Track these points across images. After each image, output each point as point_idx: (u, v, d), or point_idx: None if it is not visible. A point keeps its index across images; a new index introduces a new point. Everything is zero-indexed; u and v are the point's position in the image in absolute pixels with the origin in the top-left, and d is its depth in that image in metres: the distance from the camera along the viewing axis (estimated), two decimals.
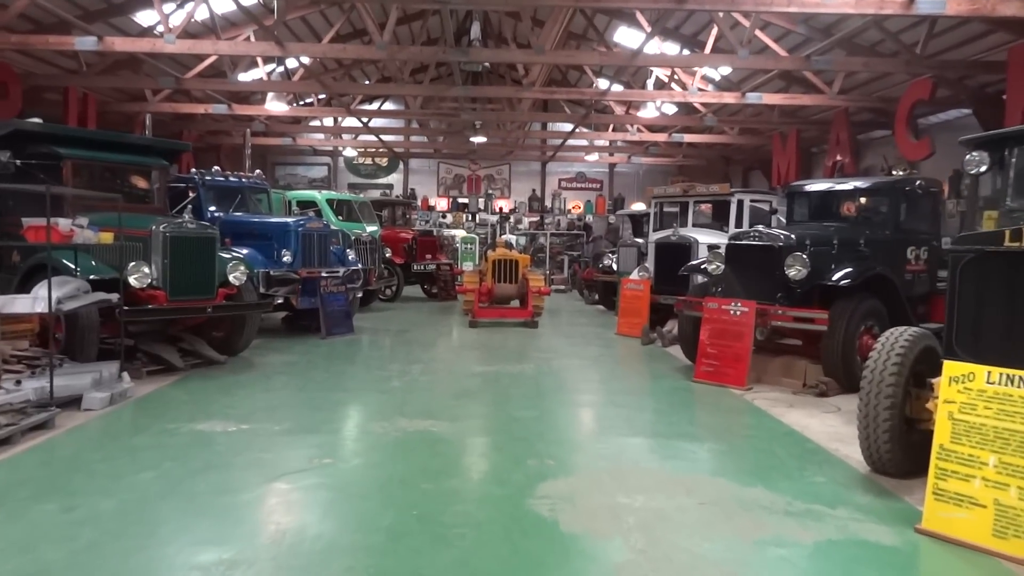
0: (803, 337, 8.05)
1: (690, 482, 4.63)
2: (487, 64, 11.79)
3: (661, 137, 19.88)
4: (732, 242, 8.19)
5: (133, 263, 7.45)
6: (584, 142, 22.90)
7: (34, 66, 13.15)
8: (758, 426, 6.18)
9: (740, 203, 11.12)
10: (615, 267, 15.31)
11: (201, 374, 7.88)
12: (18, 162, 7.71)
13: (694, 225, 11.78)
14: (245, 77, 15.76)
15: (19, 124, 7.74)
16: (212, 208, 11.01)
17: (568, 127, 21.24)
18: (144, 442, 5.32)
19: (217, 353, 8.39)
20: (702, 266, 8.87)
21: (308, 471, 4.76)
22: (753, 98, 13.66)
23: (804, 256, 7.49)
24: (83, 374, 6.42)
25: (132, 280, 7.40)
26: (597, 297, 16.93)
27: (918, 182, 8.37)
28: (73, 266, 7.19)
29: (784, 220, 9.99)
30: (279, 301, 10.53)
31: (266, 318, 11.35)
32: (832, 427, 6.09)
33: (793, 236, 7.75)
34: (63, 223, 5.99)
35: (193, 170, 11.18)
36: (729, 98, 14.00)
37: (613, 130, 20.84)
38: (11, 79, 11.59)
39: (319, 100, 19.23)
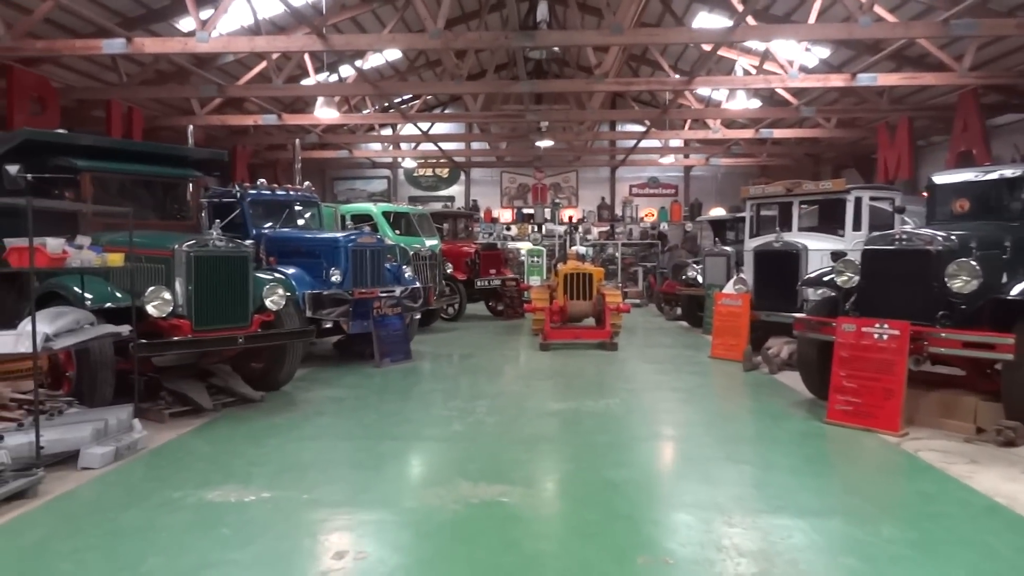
0: (968, 366, 6.36)
1: None
2: (556, 49, 10.51)
3: (746, 134, 18.07)
4: (872, 247, 6.57)
5: (152, 288, 6.40)
6: (657, 143, 21.28)
7: (75, 80, 12.57)
8: (943, 497, 4.56)
9: (858, 201, 9.41)
10: (700, 279, 13.71)
11: (232, 416, 6.76)
12: (29, 176, 6.80)
13: (800, 230, 10.10)
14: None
15: (30, 134, 6.84)
16: (268, 224, 10.04)
17: (639, 129, 19.77)
18: (134, 522, 4.15)
19: (252, 390, 7.27)
20: (826, 278, 7.26)
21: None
22: (866, 80, 11.79)
23: (972, 263, 5.83)
24: (84, 424, 5.34)
25: (150, 308, 6.35)
26: (679, 312, 15.31)
27: None
28: (84, 293, 6.21)
29: (910, 222, 8.29)
30: (328, 326, 9.42)
31: (317, 341, 10.27)
32: None
33: (954, 238, 6.09)
34: (52, 244, 4.95)
35: (235, 185, 10.21)
36: (837, 80, 12.13)
37: (690, 127, 19.16)
38: (48, 93, 10.97)
39: (374, 108, 18.26)
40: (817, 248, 9.45)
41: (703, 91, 19.11)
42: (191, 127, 9.59)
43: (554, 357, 10.34)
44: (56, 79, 11.76)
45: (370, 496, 4.59)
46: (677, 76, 14.95)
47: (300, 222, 10.60)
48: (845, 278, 6.73)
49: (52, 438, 5.07)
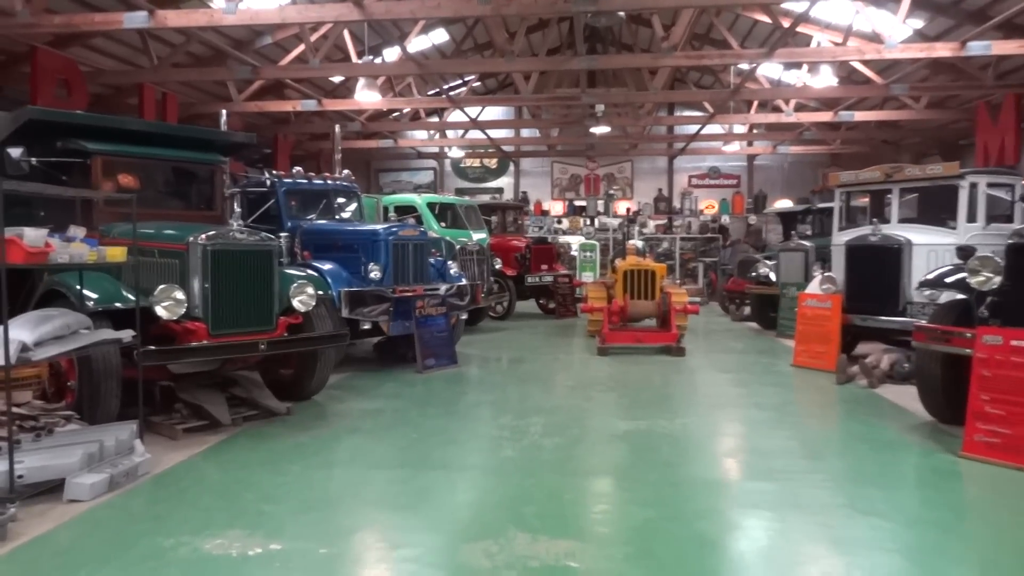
0: None
1: None
2: (622, 14, 9.42)
3: (822, 117, 16.54)
4: (1021, 241, 5.34)
5: (162, 287, 5.60)
6: (720, 129, 19.85)
7: (105, 63, 11.99)
8: None
9: (973, 188, 8.08)
10: (773, 277, 12.46)
11: (253, 432, 5.93)
12: (34, 160, 6.08)
13: (900, 221, 8.81)
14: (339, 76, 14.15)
15: (34, 113, 6.11)
16: (307, 216, 9.27)
17: (700, 115, 18.45)
18: None
19: (278, 402, 6.44)
20: (950, 278, 6.05)
21: None
22: (978, 49, 10.28)
23: None
24: (74, 447, 4.55)
25: (160, 310, 5.55)
26: (747, 312, 14.07)
27: None
28: (87, 292, 5.44)
29: None
30: (366, 327, 8.56)
31: (356, 342, 9.44)
32: None
33: None
34: (31, 235, 4.15)
35: (265, 171, 9.44)
36: (942, 50, 10.62)
37: (757, 111, 17.70)
38: (75, 76, 10.39)
39: (418, 91, 17.34)
40: (923, 242, 8.17)
41: (772, 72, 17.73)
42: (224, 111, 8.80)
43: (614, 363, 9.30)
44: (86, 63, 11.20)
45: (403, 554, 3.65)
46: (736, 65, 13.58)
47: (340, 214, 9.79)
48: (982, 278, 5.52)
49: (34, 465, 4.29)
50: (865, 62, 13.35)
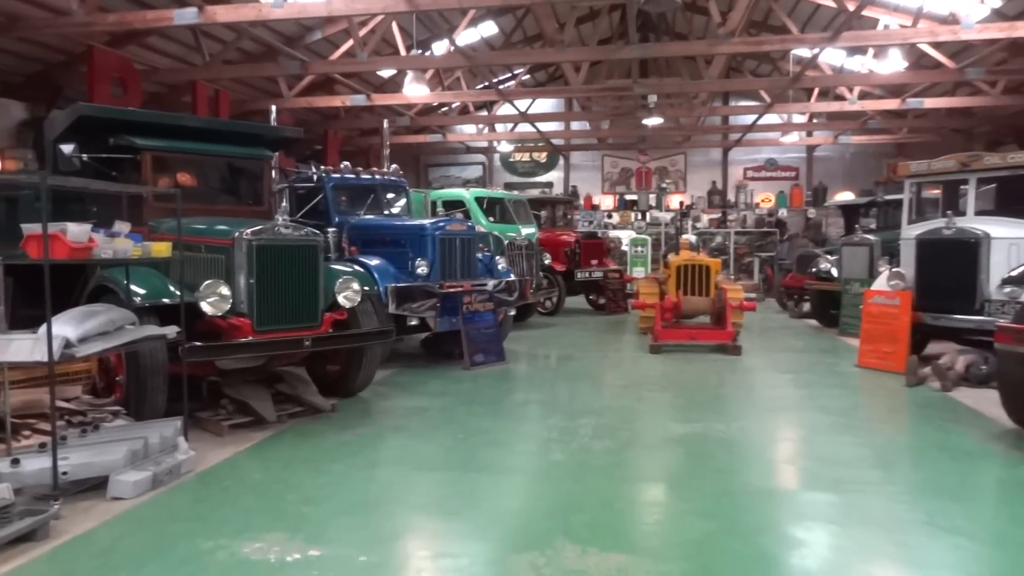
0: None
1: None
2: (678, 0, 9.03)
3: (889, 104, 15.74)
4: None
5: (208, 282, 5.56)
6: (778, 119, 19.14)
7: (160, 62, 12.17)
8: None
9: None
10: (835, 272, 11.90)
11: (298, 429, 5.85)
12: (84, 156, 6.12)
13: (976, 213, 8.24)
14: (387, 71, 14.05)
15: (85, 109, 6.16)
16: (355, 211, 9.24)
17: (752, 105, 17.82)
18: None
19: (323, 399, 6.36)
20: None
21: None
22: None
23: None
24: (119, 443, 4.52)
25: (205, 305, 5.51)
26: (806, 309, 13.52)
27: None
28: (134, 287, 5.44)
29: None
30: (413, 323, 8.44)
31: (404, 337, 9.35)
32: None
33: None
34: (74, 230, 4.11)
35: (312, 165, 9.41)
36: None
37: (817, 99, 16.97)
38: (130, 75, 10.57)
39: (467, 86, 17.18)
40: (1004, 236, 7.61)
41: (834, 59, 17.00)
42: (273, 107, 8.80)
43: (667, 362, 8.98)
44: (142, 61, 11.39)
45: (446, 564, 3.48)
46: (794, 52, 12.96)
47: (388, 209, 9.71)
48: None
49: (78, 462, 4.27)
50: (937, 45, 12.63)
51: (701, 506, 4.19)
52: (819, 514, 4.07)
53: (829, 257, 12.38)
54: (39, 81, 11.51)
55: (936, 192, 9.40)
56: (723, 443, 5.46)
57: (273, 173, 10.02)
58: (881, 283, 8.76)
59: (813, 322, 12.72)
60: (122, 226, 4.74)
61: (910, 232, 8.55)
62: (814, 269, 12.45)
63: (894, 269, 8.75)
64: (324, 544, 3.65)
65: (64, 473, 4.19)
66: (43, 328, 4.20)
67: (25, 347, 4.04)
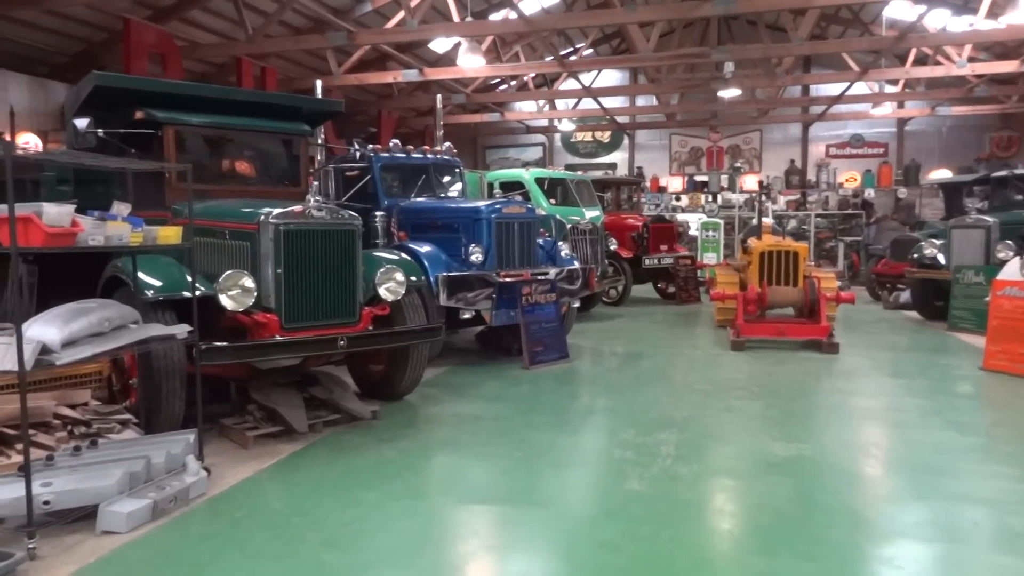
0: None
1: None
2: None
3: (1004, 67, 13.88)
4: None
5: (228, 273, 4.83)
6: (867, 88, 17.46)
7: (202, 37, 11.60)
8: None
9: None
10: (942, 259, 10.52)
11: (331, 442, 5.10)
12: (100, 132, 5.47)
13: None
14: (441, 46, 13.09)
15: (99, 79, 5.49)
16: (405, 193, 8.49)
17: (840, 74, 16.23)
18: None
19: (362, 405, 5.59)
20: None
21: None
22: None
23: None
24: (115, 464, 3.83)
25: (225, 300, 4.78)
26: (903, 300, 12.14)
27: None
28: (147, 279, 4.76)
29: None
30: (467, 316, 7.63)
31: (459, 330, 8.58)
32: None
33: None
34: (51, 212, 3.39)
35: (355, 143, 8.66)
36: None
37: (913, 65, 15.26)
38: (170, 50, 10.02)
39: (525, 59, 16.13)
40: None
41: (936, 21, 15.27)
42: (319, 82, 8.07)
43: (753, 361, 7.92)
44: (185, 37, 10.85)
45: None
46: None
47: (441, 191, 8.90)
48: None
49: (63, 488, 3.58)
50: None
51: (828, 568, 3.20)
52: None
53: (934, 241, 10.99)
54: (83, 61, 11.15)
55: None
56: (839, 472, 4.44)
57: (319, 153, 9.39)
58: (1013, 271, 7.46)
59: (913, 314, 11.37)
60: (121, 208, 4.03)
61: None
62: (915, 255, 11.10)
63: None
64: None
65: (46, 503, 3.51)
66: (30, 325, 3.52)
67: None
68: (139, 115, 5.69)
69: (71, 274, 5.48)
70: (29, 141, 10.35)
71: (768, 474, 4.43)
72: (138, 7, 9.19)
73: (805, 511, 3.87)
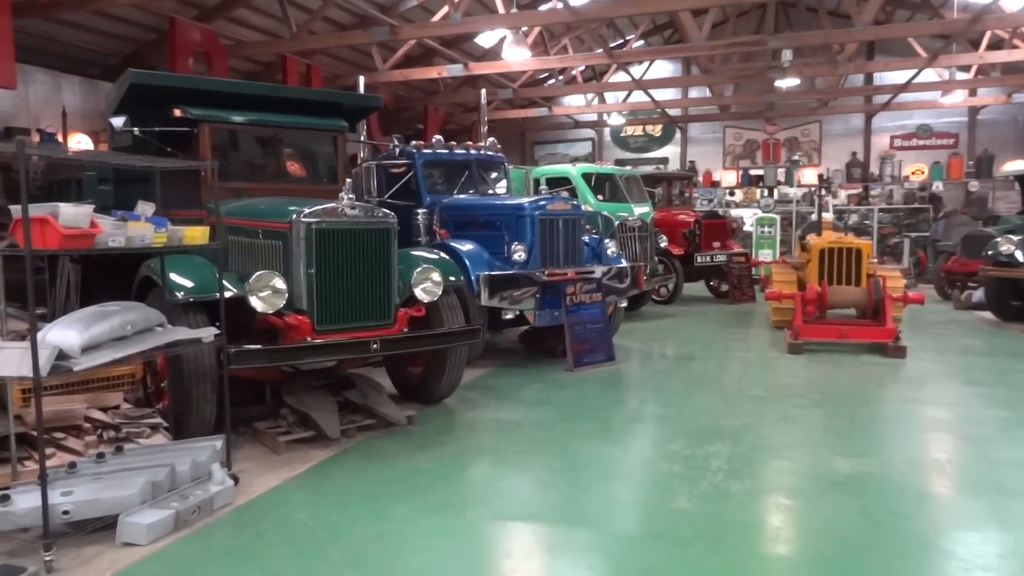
0: None
1: None
2: None
3: None
4: None
5: (259, 274, 4.69)
6: (936, 76, 16.51)
7: (248, 35, 11.63)
8: None
9: None
10: (1020, 256, 9.80)
11: (365, 448, 4.93)
12: (136, 130, 5.40)
13: None
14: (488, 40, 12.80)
15: (135, 76, 5.43)
16: (451, 191, 8.33)
17: (906, 60, 15.37)
18: None
19: (397, 411, 5.40)
20: None
21: None
22: None
23: None
24: (137, 472, 3.72)
25: (255, 301, 4.64)
26: (977, 299, 11.39)
27: None
28: (178, 280, 4.66)
29: None
30: (509, 316, 7.38)
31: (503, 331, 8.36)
32: None
33: None
34: (68, 213, 3.27)
35: (394, 139, 8.48)
36: None
37: (988, 48, 14.30)
38: (215, 49, 10.06)
39: (573, 51, 15.71)
40: None
41: (1011, 3, 14.29)
42: (361, 78, 7.93)
43: (812, 365, 7.46)
44: (230, 36, 10.89)
45: None
46: None
47: (485, 188, 8.68)
48: None
49: (83, 498, 3.48)
50: None
51: None
52: None
53: (1011, 237, 10.25)
54: (133, 62, 11.32)
55: None
56: (909, 493, 4.04)
57: (361, 150, 9.28)
58: None
59: (987, 315, 10.66)
60: (145, 208, 3.91)
61: None
62: (990, 252, 10.37)
63: None
64: None
65: (65, 512, 3.41)
66: (47, 330, 3.42)
67: (14, 358, 3.26)
68: (177, 113, 5.64)
69: (115, 273, 5.47)
70: (81, 141, 10.56)
71: (829, 493, 4.06)
72: (185, 7, 9.24)
73: (871, 538, 3.50)
